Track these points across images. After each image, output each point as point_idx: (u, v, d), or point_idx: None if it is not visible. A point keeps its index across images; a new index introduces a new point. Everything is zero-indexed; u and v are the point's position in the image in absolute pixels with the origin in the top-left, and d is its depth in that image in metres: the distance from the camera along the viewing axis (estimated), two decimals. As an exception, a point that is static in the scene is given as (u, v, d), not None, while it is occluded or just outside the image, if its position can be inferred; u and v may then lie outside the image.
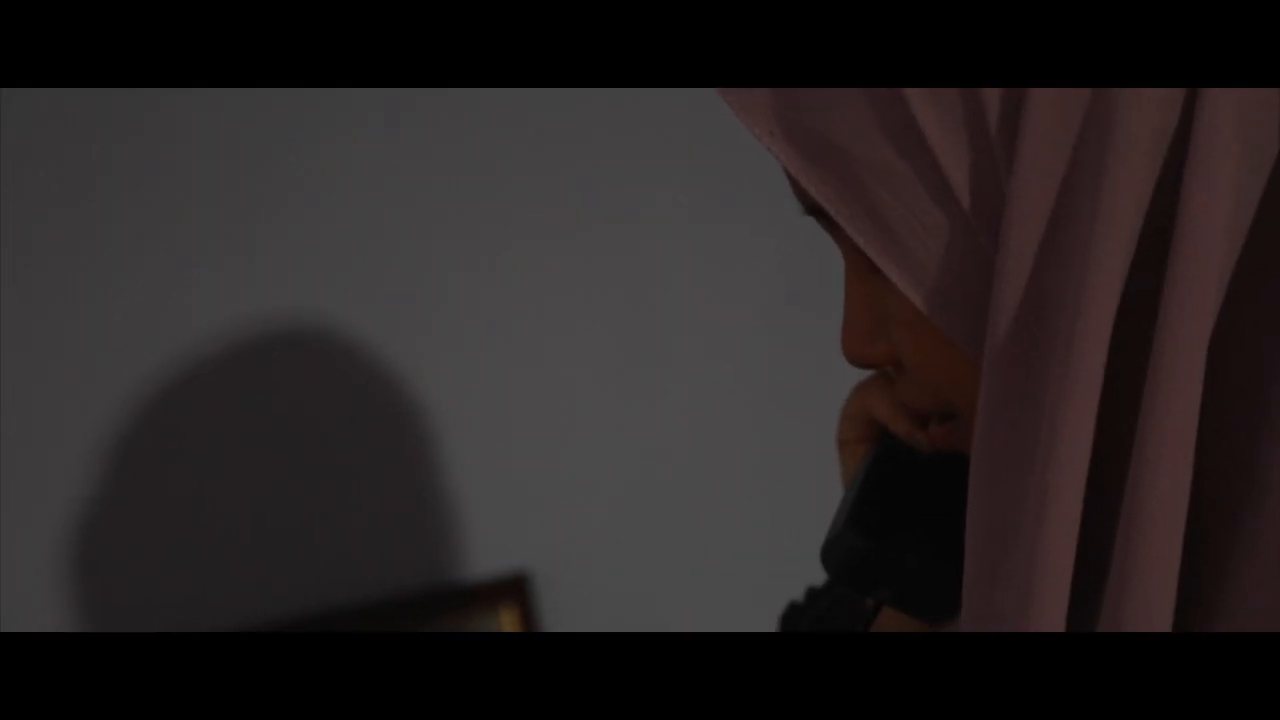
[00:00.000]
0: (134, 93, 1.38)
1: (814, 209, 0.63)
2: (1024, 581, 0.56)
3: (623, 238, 1.47)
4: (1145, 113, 0.54)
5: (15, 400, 1.41)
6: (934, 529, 0.71)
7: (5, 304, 1.40)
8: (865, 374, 0.77)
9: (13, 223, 1.39)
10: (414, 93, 1.41)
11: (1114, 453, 0.56)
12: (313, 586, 1.45)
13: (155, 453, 1.44)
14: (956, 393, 0.64)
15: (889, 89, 0.58)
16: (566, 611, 1.48)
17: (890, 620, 0.76)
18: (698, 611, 1.47)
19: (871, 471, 0.75)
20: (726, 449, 1.50)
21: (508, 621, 1.45)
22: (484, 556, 1.48)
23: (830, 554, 0.74)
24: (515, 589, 1.46)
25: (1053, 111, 0.56)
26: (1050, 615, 0.56)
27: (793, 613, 0.88)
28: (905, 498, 0.73)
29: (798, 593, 0.92)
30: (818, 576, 0.86)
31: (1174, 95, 0.55)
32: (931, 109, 0.57)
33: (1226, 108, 0.54)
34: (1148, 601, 0.55)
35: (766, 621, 0.94)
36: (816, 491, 1.44)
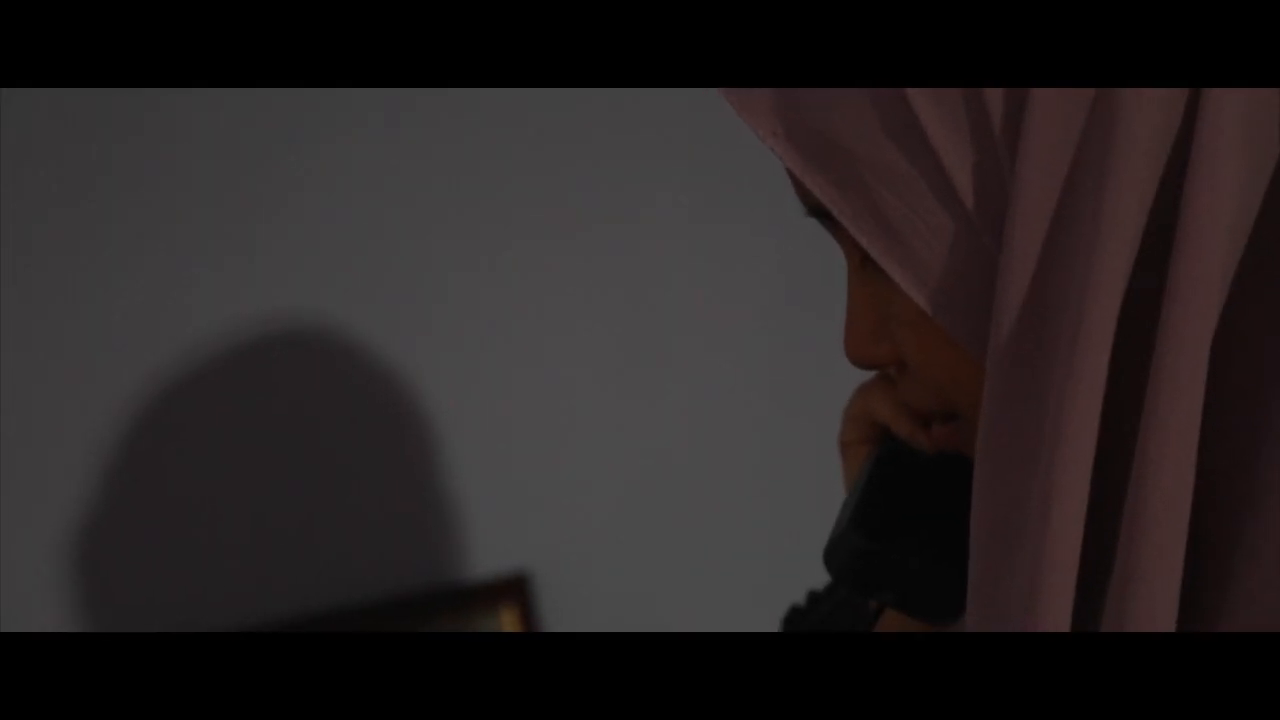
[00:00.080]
0: (134, 93, 1.38)
1: (817, 209, 0.63)
2: (1029, 581, 0.56)
3: (623, 238, 1.47)
4: (1148, 112, 0.54)
5: (15, 400, 1.41)
6: (937, 531, 0.71)
7: (5, 304, 1.40)
8: (866, 375, 0.77)
9: (13, 223, 1.39)
10: (414, 93, 1.41)
11: (1117, 452, 0.56)
12: (313, 586, 1.45)
13: (155, 452, 1.44)
14: (959, 393, 0.64)
15: (892, 89, 0.58)
16: (567, 611, 1.48)
17: (893, 622, 0.76)
18: (698, 611, 1.47)
19: (874, 473, 0.74)
20: (727, 449, 1.50)
21: (508, 621, 1.45)
22: (484, 556, 1.47)
23: (833, 556, 0.74)
24: (516, 589, 1.46)
25: (1055, 111, 0.56)
26: (1055, 615, 0.56)
27: (794, 616, 0.88)
28: (908, 499, 0.73)
29: (798, 593, 0.92)
30: (818, 577, 0.86)
31: (1176, 95, 0.55)
32: (934, 109, 0.57)
33: (1229, 108, 0.54)
34: (1152, 601, 0.55)
35: (767, 622, 0.94)
36: (817, 492, 1.44)
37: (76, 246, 1.41)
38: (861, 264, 0.65)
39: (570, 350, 1.48)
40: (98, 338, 1.42)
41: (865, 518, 0.73)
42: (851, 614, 0.83)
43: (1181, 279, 0.54)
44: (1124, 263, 0.55)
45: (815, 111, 0.60)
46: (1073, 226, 0.56)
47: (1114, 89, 0.55)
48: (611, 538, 1.49)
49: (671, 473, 1.49)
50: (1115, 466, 0.57)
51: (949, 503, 0.66)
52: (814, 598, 0.87)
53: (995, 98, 0.57)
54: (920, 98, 0.57)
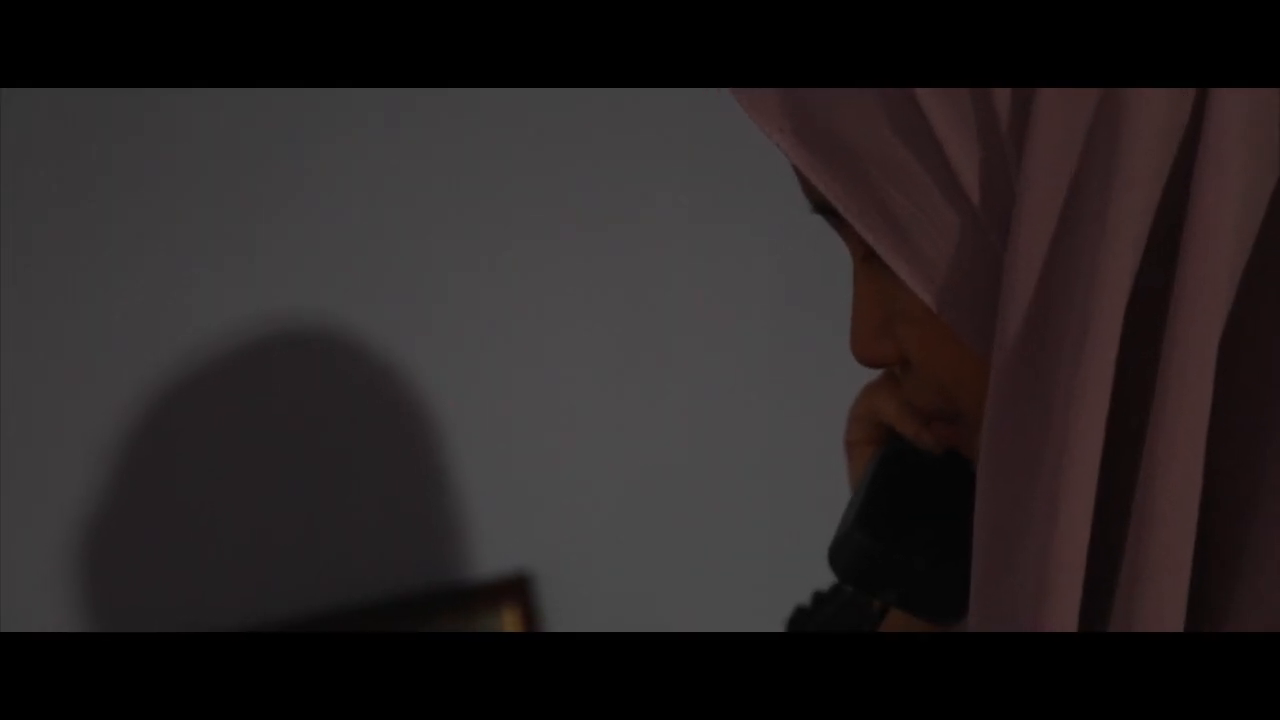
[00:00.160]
0: (134, 93, 1.38)
1: (823, 207, 0.63)
2: (1035, 581, 0.56)
3: (623, 238, 1.47)
4: (1154, 112, 0.54)
5: (15, 400, 1.41)
6: (942, 530, 0.71)
7: (5, 304, 1.40)
8: (867, 374, 0.77)
9: (13, 223, 1.39)
10: (414, 93, 1.41)
11: (1124, 451, 0.56)
12: (315, 586, 1.45)
13: (155, 452, 1.44)
14: (963, 391, 0.64)
15: (900, 88, 0.58)
16: (568, 611, 1.48)
17: (897, 622, 0.76)
18: (699, 611, 1.47)
19: (879, 473, 0.74)
20: (728, 449, 1.50)
21: (510, 621, 1.45)
22: (486, 556, 1.47)
23: (838, 555, 0.74)
24: (517, 589, 1.46)
25: (1062, 111, 0.56)
26: (1062, 615, 0.56)
27: (799, 617, 0.88)
28: (913, 499, 0.73)
29: (799, 593, 0.92)
30: (819, 577, 0.86)
31: (1183, 95, 0.55)
32: (942, 107, 0.57)
33: (1236, 107, 0.54)
34: (1160, 600, 0.55)
35: (768, 621, 0.94)
36: (818, 491, 1.44)
37: (76, 246, 1.41)
38: (867, 261, 0.65)
39: (571, 350, 1.48)
40: (98, 338, 1.42)
41: (870, 517, 0.73)
42: (856, 614, 0.83)
43: (1188, 279, 0.54)
44: (1130, 262, 0.55)
45: (822, 109, 0.60)
46: (1079, 226, 0.56)
47: (1120, 89, 0.55)
48: (613, 538, 1.49)
49: (672, 473, 1.49)
50: (1122, 466, 0.57)
51: (954, 502, 0.66)
52: (819, 598, 0.87)
53: (1003, 97, 0.57)
54: (929, 96, 0.57)
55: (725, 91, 0.63)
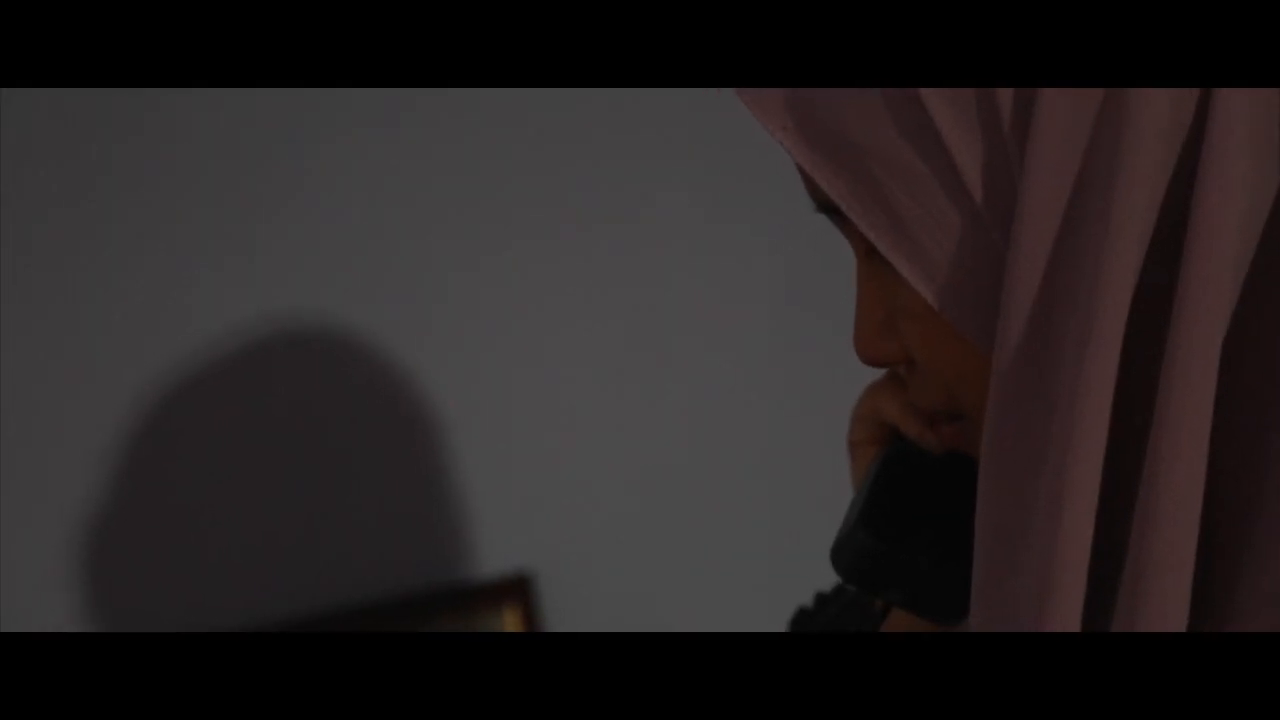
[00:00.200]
0: (134, 93, 1.38)
1: (826, 206, 0.63)
2: (1038, 581, 0.56)
3: (623, 238, 1.47)
4: (1157, 112, 0.55)
5: (15, 400, 1.41)
6: (945, 530, 0.71)
7: (5, 304, 1.40)
8: (868, 374, 0.77)
9: (13, 223, 1.39)
10: (414, 93, 1.41)
11: (1127, 450, 0.56)
12: (316, 587, 1.45)
13: (155, 453, 1.44)
14: (965, 389, 0.64)
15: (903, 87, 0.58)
16: (569, 611, 1.48)
17: (900, 622, 0.76)
18: (700, 611, 1.46)
19: (882, 473, 0.74)
20: (728, 449, 1.50)
21: (511, 621, 1.45)
22: (487, 556, 1.47)
23: (841, 554, 0.74)
24: (518, 589, 1.46)
25: (1065, 110, 0.56)
26: (1066, 615, 0.56)
27: (801, 617, 0.88)
28: (916, 499, 0.73)
29: (799, 593, 0.92)
30: (820, 577, 0.86)
31: (1186, 95, 0.55)
32: (946, 106, 0.57)
33: (1240, 107, 0.54)
34: (1164, 599, 0.55)
35: (769, 621, 0.94)
36: (818, 491, 1.44)
37: (76, 246, 1.40)
38: (870, 259, 0.65)
39: (571, 350, 1.48)
40: (98, 338, 1.42)
41: (873, 517, 0.73)
42: (859, 615, 0.83)
43: (1192, 278, 0.54)
44: (1133, 261, 0.55)
45: (826, 108, 0.60)
46: (1082, 225, 0.56)
47: (1123, 89, 0.55)
48: (614, 538, 1.49)
49: (673, 473, 1.49)
50: (1125, 465, 0.56)
51: (957, 502, 0.66)
52: (821, 599, 0.87)
53: (1006, 97, 0.57)
54: (933, 96, 0.58)
55: (725, 91, 0.63)
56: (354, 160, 1.43)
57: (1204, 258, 0.54)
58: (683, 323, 1.48)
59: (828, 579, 0.86)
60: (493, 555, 1.47)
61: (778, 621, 0.92)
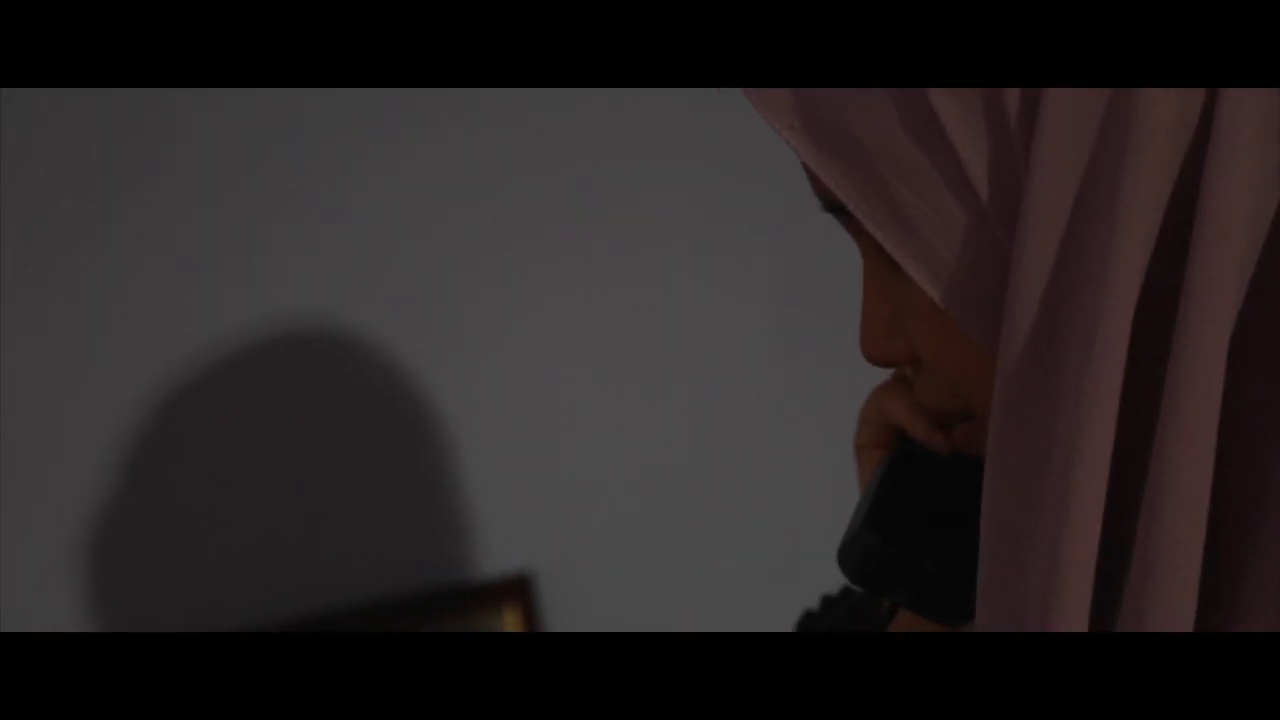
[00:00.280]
0: (134, 93, 1.38)
1: (832, 205, 0.63)
2: (1044, 581, 0.56)
3: (623, 238, 1.47)
4: (1164, 111, 0.55)
5: (15, 401, 1.41)
6: (952, 531, 0.71)
7: (5, 304, 1.40)
8: (868, 374, 0.77)
9: (13, 223, 1.39)
10: (414, 93, 1.41)
11: (1133, 450, 0.56)
12: (316, 587, 1.45)
13: (156, 452, 1.44)
14: (972, 388, 0.64)
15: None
16: (570, 612, 1.48)
17: (906, 624, 0.75)
18: (700, 612, 1.46)
19: (888, 474, 0.74)
20: (728, 449, 1.50)
21: (511, 622, 1.45)
22: (487, 557, 1.47)
23: (847, 556, 0.74)
24: (519, 589, 1.46)
25: (1071, 110, 0.56)
26: (1072, 615, 0.56)
27: (808, 620, 0.88)
28: (923, 500, 0.73)
29: (799, 592, 0.92)
30: (819, 576, 0.86)
31: (1193, 95, 0.55)
32: (952, 105, 0.57)
33: (1247, 107, 0.54)
34: (1170, 599, 0.55)
35: (769, 621, 0.94)
36: (819, 491, 1.44)
37: (76, 246, 1.40)
38: (876, 259, 0.65)
39: (571, 350, 1.48)
40: (98, 338, 1.42)
41: (879, 518, 0.73)
42: (866, 618, 0.83)
43: (1198, 278, 0.54)
44: (1139, 261, 0.55)
45: (833, 107, 0.60)
46: (1088, 225, 0.56)
47: (1130, 88, 0.55)
48: (614, 538, 1.49)
49: (673, 473, 1.49)
50: (1131, 465, 0.56)
51: (964, 504, 0.66)
52: (828, 602, 0.87)
53: (1012, 96, 0.57)
54: (939, 95, 0.58)
55: (725, 91, 0.63)
56: (354, 160, 1.43)
57: (1210, 257, 0.54)
58: (683, 323, 1.48)
59: (827, 579, 0.86)
60: (493, 555, 1.47)
61: (778, 621, 0.91)
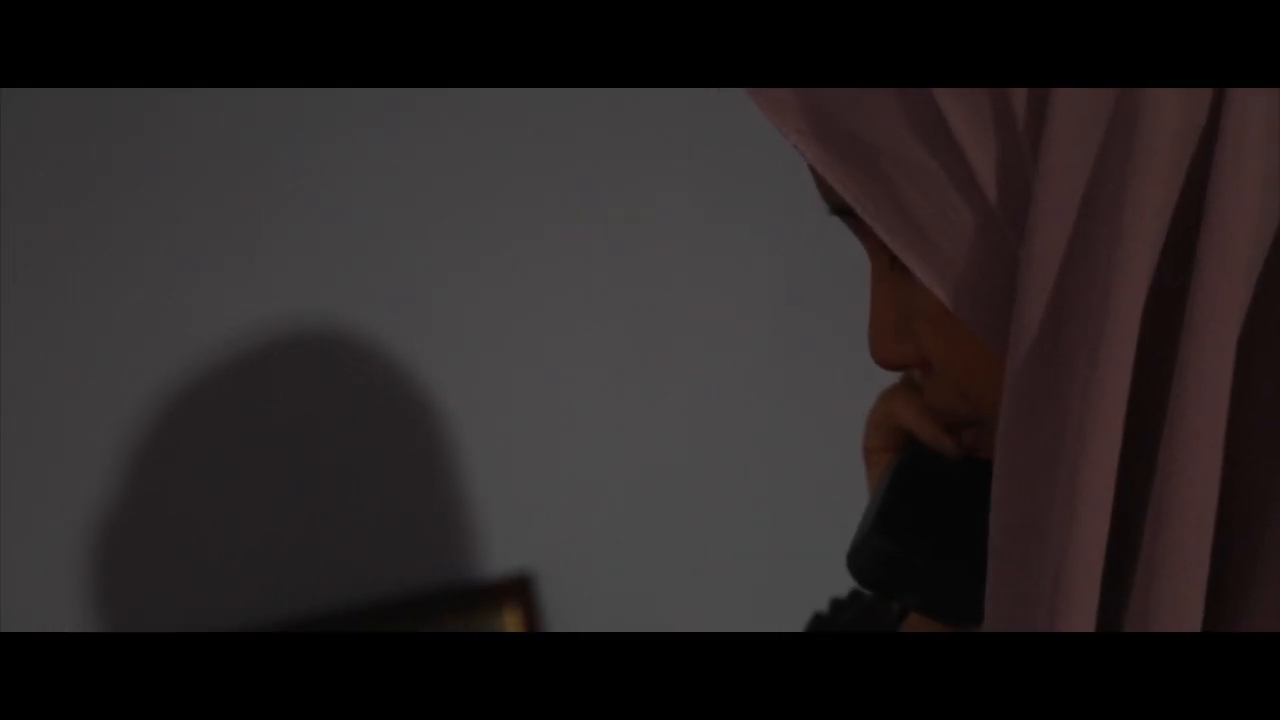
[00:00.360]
0: (134, 93, 1.38)
1: (840, 208, 0.63)
2: (1052, 582, 0.56)
3: (623, 238, 1.47)
4: (1171, 112, 0.55)
5: (15, 400, 1.41)
6: (961, 534, 0.71)
7: (5, 304, 1.40)
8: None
9: (13, 223, 1.39)
10: (414, 93, 1.41)
11: (1142, 450, 0.56)
12: (317, 587, 1.45)
13: (156, 452, 1.44)
14: (981, 390, 0.64)
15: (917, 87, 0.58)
16: (570, 612, 1.48)
17: (916, 627, 0.75)
18: (700, 611, 1.46)
19: (897, 477, 0.74)
20: (729, 449, 1.50)
21: (511, 622, 1.45)
22: (488, 557, 1.47)
23: (856, 559, 0.74)
24: (519, 589, 1.45)
25: (1079, 111, 0.56)
26: (1079, 615, 0.56)
27: (818, 624, 0.88)
28: (932, 503, 0.73)
29: (799, 592, 0.92)
30: (819, 576, 0.86)
31: (1200, 95, 0.55)
32: (959, 106, 0.57)
33: (1254, 108, 0.54)
34: (1177, 599, 0.55)
35: (769, 621, 0.94)
36: (819, 491, 1.44)
37: (76, 246, 1.40)
38: (884, 262, 0.65)
39: (571, 350, 1.48)
40: (98, 338, 1.42)
41: (888, 521, 0.73)
42: (876, 621, 0.83)
43: (1205, 278, 0.54)
44: (1147, 262, 0.55)
45: (839, 108, 0.60)
46: (1095, 226, 0.56)
47: (1137, 89, 0.55)
48: (614, 538, 1.49)
49: (674, 473, 1.49)
50: (1139, 465, 0.56)
51: (973, 506, 0.66)
52: (837, 605, 0.87)
53: (1020, 97, 0.57)
54: (946, 96, 0.57)
55: (725, 91, 0.63)
56: (354, 160, 1.43)
57: (1217, 258, 0.54)
58: (683, 323, 1.48)
59: (827, 579, 0.86)
60: (493, 555, 1.47)
61: (778, 621, 0.91)
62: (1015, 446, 0.58)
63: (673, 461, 1.49)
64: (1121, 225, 0.55)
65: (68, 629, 1.43)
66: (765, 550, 1.49)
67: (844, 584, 0.83)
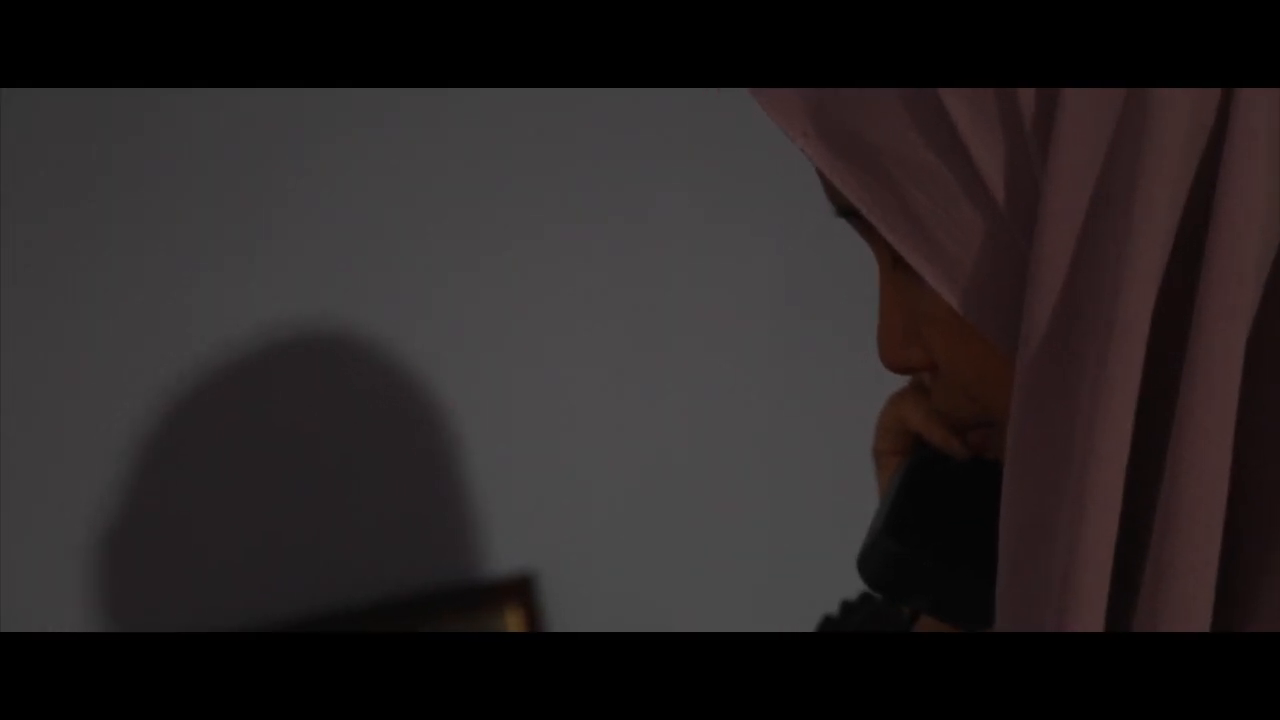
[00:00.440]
0: (134, 93, 1.38)
1: (846, 209, 0.63)
2: (1061, 582, 0.56)
3: (623, 238, 1.47)
4: (1179, 112, 0.54)
5: (15, 401, 1.41)
6: (971, 536, 0.71)
7: (5, 304, 1.40)
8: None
9: (13, 223, 1.39)
10: (414, 93, 1.41)
11: (1151, 450, 0.56)
12: (318, 587, 1.45)
13: (156, 452, 1.44)
14: (989, 392, 0.64)
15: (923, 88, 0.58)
16: (571, 612, 1.48)
17: (927, 629, 0.75)
18: (701, 611, 1.47)
19: (906, 480, 0.74)
20: (729, 449, 1.50)
21: (513, 622, 1.45)
22: (489, 557, 1.47)
23: (866, 563, 0.74)
24: (521, 589, 1.46)
25: (1087, 111, 0.56)
26: (1089, 615, 0.56)
27: (828, 626, 0.88)
28: (942, 505, 0.73)
29: (799, 592, 0.92)
30: (819, 576, 0.86)
31: (1208, 95, 0.55)
32: (965, 107, 0.57)
33: (1262, 107, 0.54)
34: (1186, 599, 0.55)
35: (769, 621, 0.94)
36: (819, 491, 1.44)
37: (76, 246, 1.40)
38: (892, 264, 0.65)
39: (571, 350, 1.48)
40: (98, 338, 1.42)
41: (898, 524, 0.73)
42: (886, 623, 0.83)
43: (1214, 279, 0.54)
44: (1156, 262, 0.55)
45: (845, 111, 0.60)
46: (1104, 226, 0.56)
47: (1145, 89, 0.55)
48: (616, 538, 1.49)
49: (675, 473, 1.49)
50: (1148, 466, 0.56)
51: (982, 509, 0.66)
52: (847, 607, 0.87)
53: (1027, 97, 0.57)
54: (952, 97, 0.57)
55: (726, 91, 0.63)
56: (354, 160, 1.43)
57: (1226, 258, 0.54)
58: (683, 323, 1.48)
59: (827, 578, 0.86)
60: (495, 555, 1.47)
61: (778, 621, 0.91)
62: (1025, 447, 0.58)
63: (674, 461, 1.49)
64: (1130, 225, 0.55)
65: (68, 629, 1.43)
66: (766, 550, 1.49)
67: (845, 585, 0.83)
